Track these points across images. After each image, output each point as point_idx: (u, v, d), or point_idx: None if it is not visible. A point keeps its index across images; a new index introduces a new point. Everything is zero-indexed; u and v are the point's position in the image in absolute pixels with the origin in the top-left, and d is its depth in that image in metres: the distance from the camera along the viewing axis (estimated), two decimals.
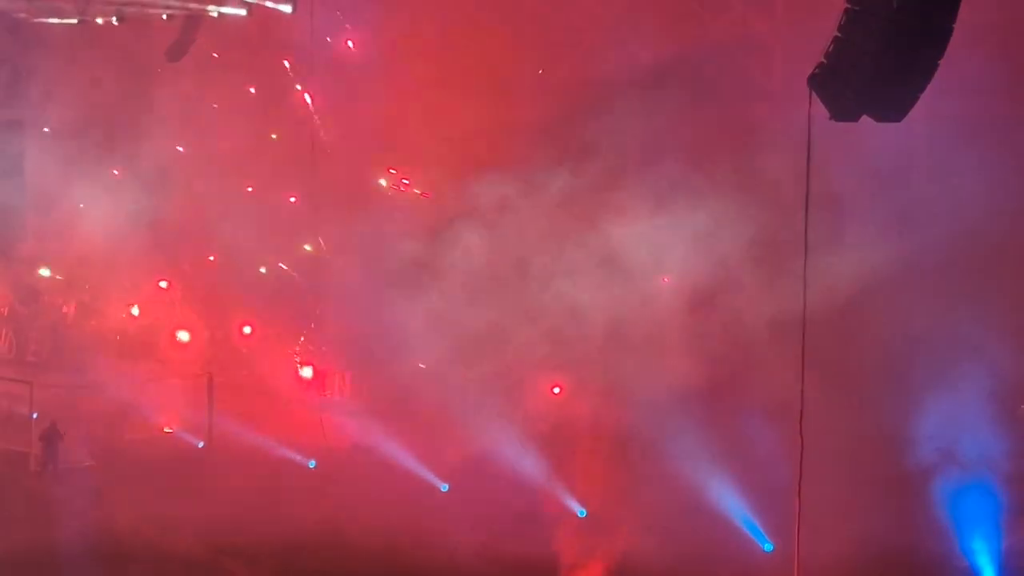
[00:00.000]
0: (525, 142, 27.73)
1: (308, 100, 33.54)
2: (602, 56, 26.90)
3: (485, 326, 26.82)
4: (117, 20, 32.81)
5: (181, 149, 35.19)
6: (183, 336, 33.07)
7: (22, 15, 34.31)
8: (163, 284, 35.52)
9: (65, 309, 36.14)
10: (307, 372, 30.88)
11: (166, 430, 28.52)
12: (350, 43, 31.17)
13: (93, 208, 33.94)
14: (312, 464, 26.78)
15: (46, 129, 35.72)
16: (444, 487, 25.05)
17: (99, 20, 32.64)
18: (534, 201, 27.12)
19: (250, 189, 34.47)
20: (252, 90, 34.64)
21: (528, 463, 25.00)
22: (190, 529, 22.59)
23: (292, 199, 33.58)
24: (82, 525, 22.99)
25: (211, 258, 34.48)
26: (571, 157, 27.11)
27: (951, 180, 22.23)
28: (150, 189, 35.18)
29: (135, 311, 34.89)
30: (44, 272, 36.38)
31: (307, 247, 33.27)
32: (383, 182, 32.21)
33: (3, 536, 22.28)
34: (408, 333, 28.59)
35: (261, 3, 29.82)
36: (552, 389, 27.67)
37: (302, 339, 31.96)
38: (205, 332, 33.49)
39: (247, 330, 32.86)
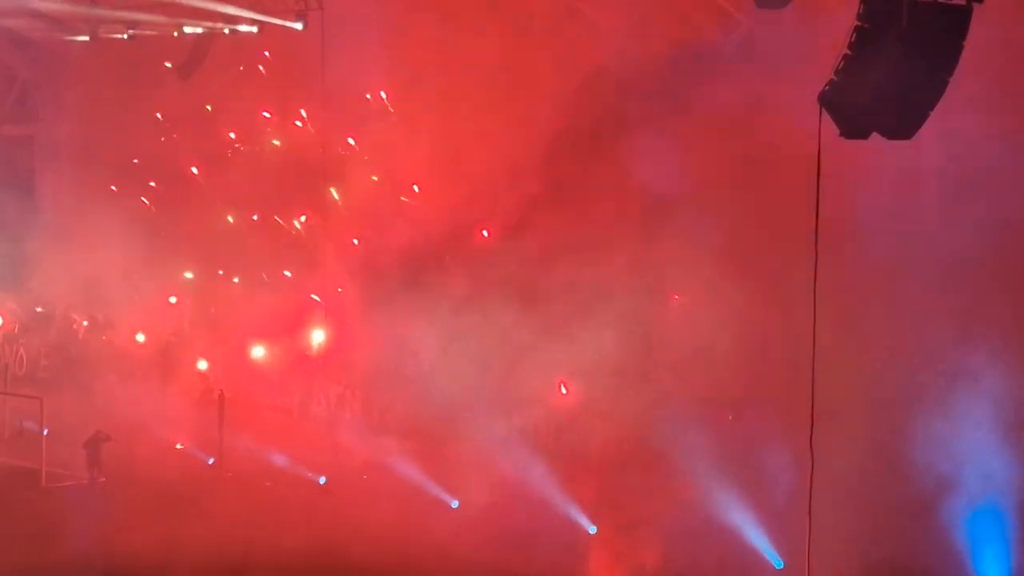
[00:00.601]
0: (544, 154, 27.76)
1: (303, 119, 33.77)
2: (607, 76, 26.90)
3: (497, 342, 26.85)
4: (128, 37, 33.00)
5: (195, 171, 35.30)
6: (201, 365, 33.02)
7: (35, 33, 34.45)
8: (172, 300, 35.59)
9: (76, 326, 36.22)
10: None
11: (178, 446, 28.51)
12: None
13: (104, 225, 34.03)
14: (322, 481, 26.77)
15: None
16: (455, 503, 25.03)
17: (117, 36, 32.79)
18: (549, 219, 27.16)
19: (255, 218, 34.59)
20: (266, 114, 34.71)
21: (538, 480, 24.98)
22: (199, 546, 22.56)
23: (303, 218, 33.65)
24: (91, 542, 22.97)
25: (220, 272, 34.53)
26: (586, 169, 27.15)
27: (962, 197, 22.18)
28: (161, 206, 35.37)
29: (140, 337, 34.94)
30: (55, 289, 36.45)
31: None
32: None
33: (12, 552, 22.29)
34: (419, 351, 28.64)
35: (272, 21, 29.99)
36: (559, 388, 27.58)
37: (313, 355, 32.02)
38: (216, 349, 33.52)
39: (259, 348, 32.87)
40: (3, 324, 37.09)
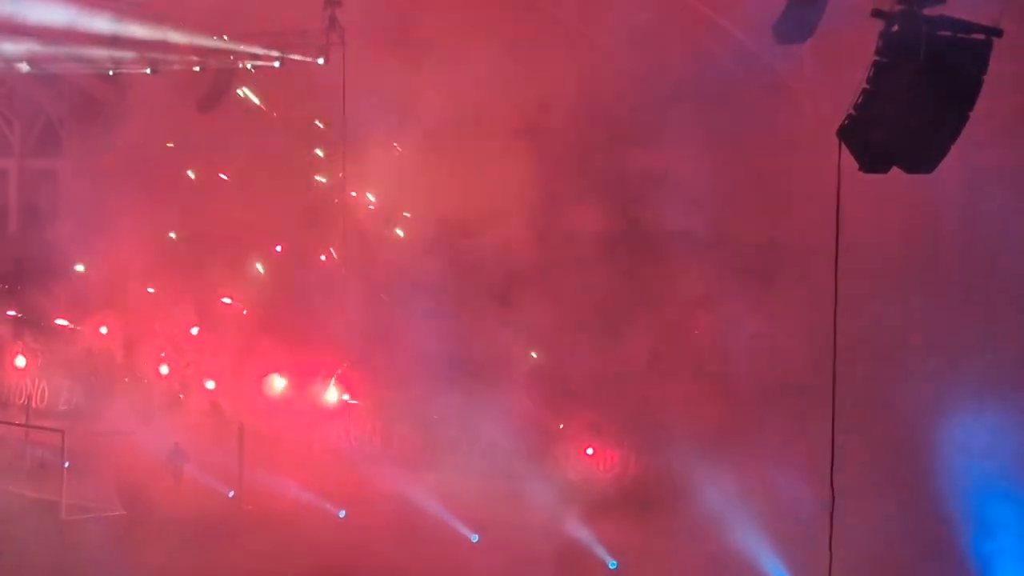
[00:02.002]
0: (556, 193, 27.80)
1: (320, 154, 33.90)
2: (627, 108, 26.93)
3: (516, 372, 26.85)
4: (151, 71, 33.19)
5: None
6: (210, 386, 33.06)
7: (58, 68, 34.69)
8: (194, 331, 35.65)
9: (98, 358, 36.30)
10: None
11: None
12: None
13: (124, 257, 34.17)
14: (342, 514, 26.74)
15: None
16: (474, 538, 24.97)
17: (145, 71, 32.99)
18: (565, 255, 27.18)
19: (279, 248, 34.66)
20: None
21: (558, 514, 24.91)
22: None
23: (323, 257, 33.69)
24: (110, 575, 22.98)
25: (245, 312, 34.56)
26: (603, 204, 27.18)
27: (984, 231, 22.15)
28: (181, 238, 35.47)
29: (164, 370, 35.02)
30: (78, 322, 36.57)
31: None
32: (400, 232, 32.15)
33: None
34: (439, 382, 28.63)
35: (294, 58, 30.16)
36: (585, 450, 27.56)
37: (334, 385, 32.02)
38: (235, 380, 33.52)
39: (279, 380, 32.87)
40: (28, 353, 37.19)
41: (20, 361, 36.62)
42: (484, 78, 26.74)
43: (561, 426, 27.64)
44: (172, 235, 35.77)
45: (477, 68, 26.63)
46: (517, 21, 27.91)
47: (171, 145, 35.93)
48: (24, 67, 33.84)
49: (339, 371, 31.58)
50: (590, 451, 27.46)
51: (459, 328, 28.05)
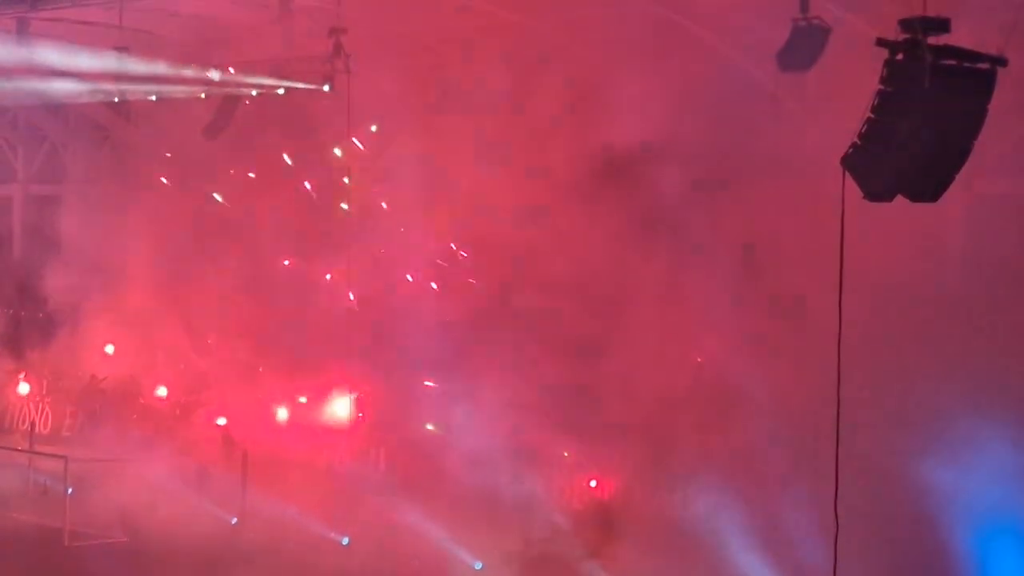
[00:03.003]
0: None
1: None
2: (631, 136, 26.95)
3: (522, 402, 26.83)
4: (155, 99, 33.30)
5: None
6: (221, 421, 33.00)
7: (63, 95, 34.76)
8: (198, 356, 35.64)
9: (102, 384, 36.30)
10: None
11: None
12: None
13: (129, 282, 34.21)
14: (345, 542, 26.67)
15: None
16: (478, 565, 24.90)
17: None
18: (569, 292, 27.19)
19: (287, 262, 34.66)
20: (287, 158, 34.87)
21: (561, 543, 24.85)
22: None
23: (328, 276, 33.71)
24: None
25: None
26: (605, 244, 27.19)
27: (989, 262, 22.15)
28: (187, 264, 35.45)
29: (162, 391, 34.99)
30: (81, 347, 36.57)
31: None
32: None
33: None
34: (444, 410, 28.60)
35: (299, 86, 30.27)
36: (588, 483, 27.54)
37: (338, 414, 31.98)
38: (240, 406, 33.50)
39: (282, 411, 32.84)
40: (32, 379, 37.20)
41: (23, 388, 36.63)
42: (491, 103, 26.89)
43: (566, 454, 27.59)
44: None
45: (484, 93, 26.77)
46: (518, 45, 28.02)
47: (165, 181, 36.04)
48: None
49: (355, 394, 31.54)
50: (593, 483, 27.45)
51: (463, 353, 28.03)
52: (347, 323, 31.12)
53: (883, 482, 21.63)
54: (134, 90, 32.62)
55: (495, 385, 26.86)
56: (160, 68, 31.04)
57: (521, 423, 26.72)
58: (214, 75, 30.64)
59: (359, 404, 31.67)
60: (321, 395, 32.37)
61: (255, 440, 30.67)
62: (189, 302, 34.32)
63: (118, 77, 31.77)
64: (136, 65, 31.19)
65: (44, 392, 37.13)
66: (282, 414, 32.71)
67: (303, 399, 32.84)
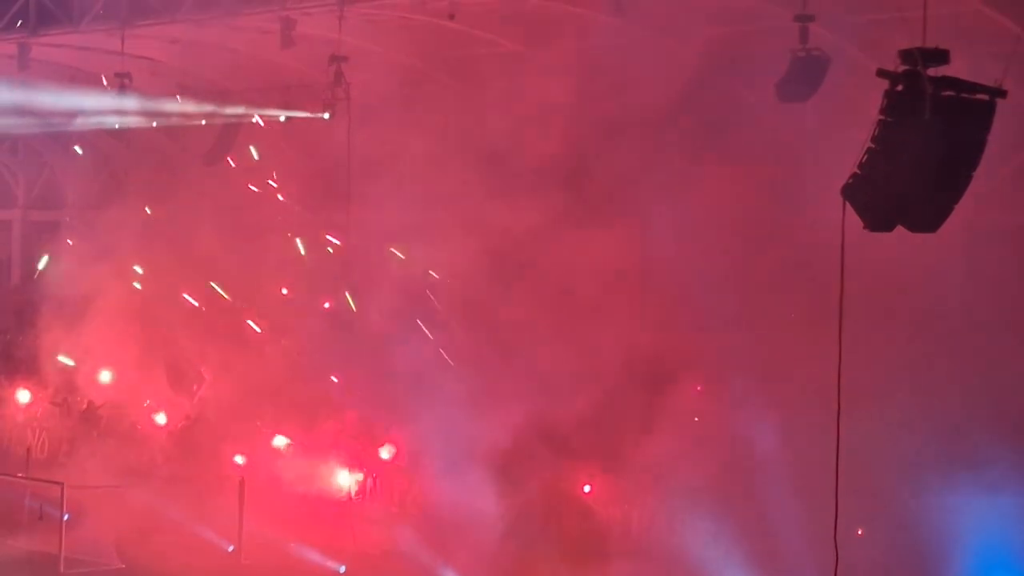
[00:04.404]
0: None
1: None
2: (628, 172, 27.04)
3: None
4: (156, 125, 33.45)
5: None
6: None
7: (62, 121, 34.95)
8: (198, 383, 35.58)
9: (100, 410, 36.24)
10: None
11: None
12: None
13: (127, 307, 34.19)
14: (342, 569, 26.61)
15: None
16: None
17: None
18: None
19: (285, 291, 34.65)
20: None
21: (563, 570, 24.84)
22: None
23: (326, 304, 33.72)
24: None
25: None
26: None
27: (985, 290, 22.19)
28: (184, 287, 35.47)
29: (161, 419, 34.94)
30: (78, 372, 36.50)
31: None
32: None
33: None
34: (438, 436, 28.57)
35: (299, 115, 30.41)
36: (582, 487, 27.54)
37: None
38: (239, 434, 33.43)
39: (281, 441, 32.76)
40: (29, 404, 37.14)
41: (24, 396, 36.52)
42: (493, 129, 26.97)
43: (587, 488, 27.64)
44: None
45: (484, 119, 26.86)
46: (516, 72, 28.12)
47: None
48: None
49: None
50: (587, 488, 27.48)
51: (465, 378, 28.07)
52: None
53: (885, 512, 21.65)
54: (134, 120, 32.78)
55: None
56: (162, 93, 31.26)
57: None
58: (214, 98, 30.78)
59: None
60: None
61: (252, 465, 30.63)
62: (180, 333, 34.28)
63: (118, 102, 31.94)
64: (136, 99, 31.45)
65: (40, 418, 37.04)
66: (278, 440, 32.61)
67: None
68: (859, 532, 22.69)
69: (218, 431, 32.95)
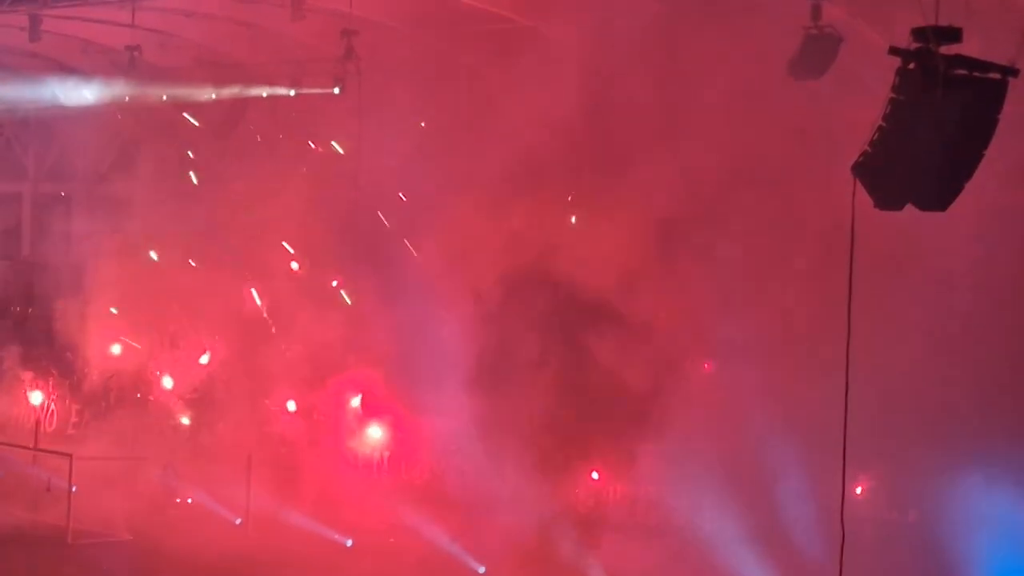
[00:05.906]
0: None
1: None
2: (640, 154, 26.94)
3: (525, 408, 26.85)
4: (166, 97, 33.41)
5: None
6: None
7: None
8: (204, 360, 35.65)
9: (108, 382, 36.36)
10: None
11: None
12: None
13: (132, 281, 34.25)
14: (349, 543, 26.67)
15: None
16: (481, 569, 24.90)
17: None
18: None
19: (295, 265, 34.63)
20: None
21: (567, 546, 24.86)
22: None
23: (335, 282, 33.72)
24: None
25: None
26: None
27: (995, 272, 22.13)
28: (192, 261, 35.51)
29: (168, 382, 35.03)
30: (88, 346, 36.60)
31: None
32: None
33: None
34: (446, 411, 28.63)
35: (309, 92, 30.33)
36: (591, 474, 27.56)
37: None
38: (246, 406, 33.47)
39: (291, 406, 32.82)
40: (37, 376, 37.26)
41: (36, 397, 36.62)
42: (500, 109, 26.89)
43: (595, 475, 27.65)
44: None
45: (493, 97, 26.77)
46: (523, 52, 28.01)
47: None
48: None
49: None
50: (595, 475, 27.43)
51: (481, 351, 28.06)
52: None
53: (890, 494, 21.63)
54: (145, 91, 32.76)
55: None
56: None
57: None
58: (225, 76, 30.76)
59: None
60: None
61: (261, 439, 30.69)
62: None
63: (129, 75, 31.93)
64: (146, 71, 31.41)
65: (50, 389, 37.15)
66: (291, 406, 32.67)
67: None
68: (857, 491, 22.79)
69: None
